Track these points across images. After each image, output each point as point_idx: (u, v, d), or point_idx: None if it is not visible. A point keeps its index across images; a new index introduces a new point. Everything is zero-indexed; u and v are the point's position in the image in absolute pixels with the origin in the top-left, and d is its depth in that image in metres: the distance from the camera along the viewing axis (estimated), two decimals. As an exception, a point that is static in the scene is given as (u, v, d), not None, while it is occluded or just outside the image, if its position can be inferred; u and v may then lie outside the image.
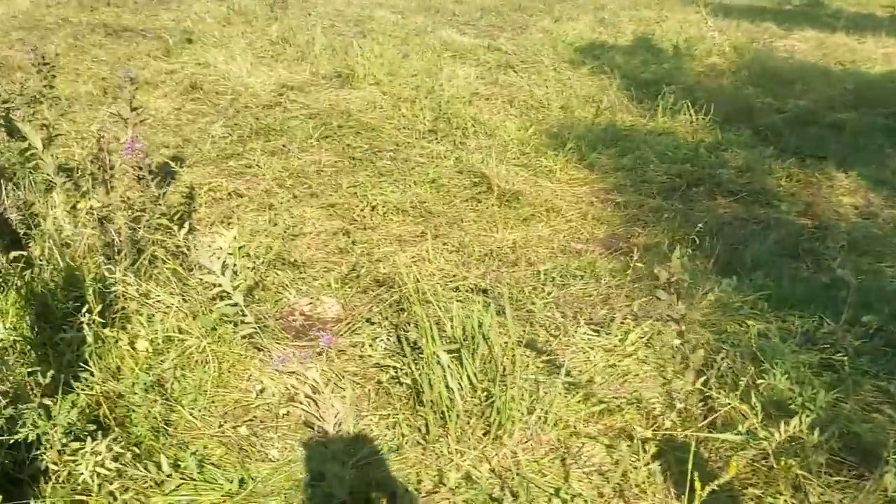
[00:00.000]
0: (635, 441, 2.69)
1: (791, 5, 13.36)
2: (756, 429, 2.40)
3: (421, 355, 2.98)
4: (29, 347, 2.94)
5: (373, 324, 3.49)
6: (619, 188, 5.24)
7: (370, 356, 3.27)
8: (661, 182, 5.36)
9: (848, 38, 10.09)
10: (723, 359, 2.97)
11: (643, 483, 2.55)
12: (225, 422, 2.84)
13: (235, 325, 3.22)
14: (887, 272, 4.16)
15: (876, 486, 2.35)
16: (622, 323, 3.43)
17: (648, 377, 3.13)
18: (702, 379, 2.73)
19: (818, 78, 8.12)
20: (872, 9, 12.56)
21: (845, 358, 3.06)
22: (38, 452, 2.40)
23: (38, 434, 2.37)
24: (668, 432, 2.72)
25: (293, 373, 3.02)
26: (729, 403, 2.56)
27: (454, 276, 3.93)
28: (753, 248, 4.30)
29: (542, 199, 4.91)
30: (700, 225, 4.08)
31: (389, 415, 2.91)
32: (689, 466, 2.13)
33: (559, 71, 8.23)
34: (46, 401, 2.44)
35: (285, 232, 4.33)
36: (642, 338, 3.33)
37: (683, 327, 2.72)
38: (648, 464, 2.59)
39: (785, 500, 2.44)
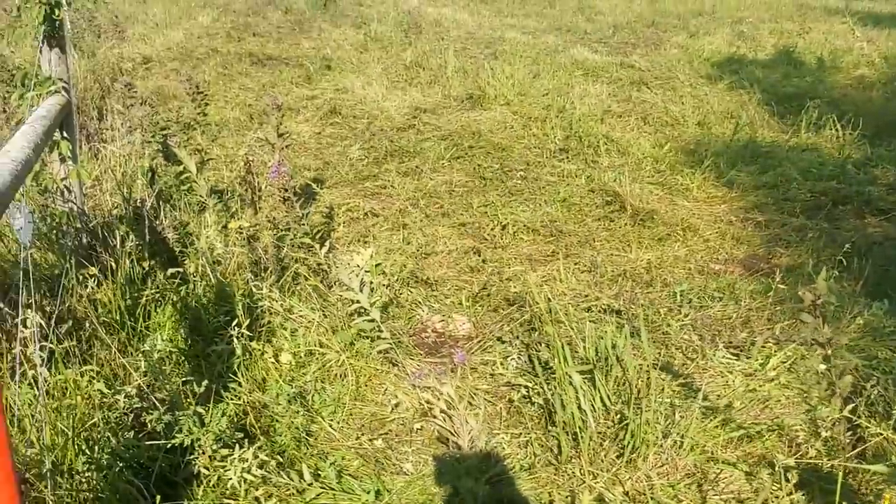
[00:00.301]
0: (777, 469, 2.58)
1: (950, 11, 12.55)
2: (911, 461, 2.27)
3: (552, 375, 2.98)
4: (183, 358, 3.16)
5: (503, 342, 3.51)
6: (759, 207, 5.07)
7: (501, 374, 3.29)
8: (804, 200, 5.15)
9: None
10: (873, 386, 2.81)
11: (786, 513, 2.45)
12: (362, 434, 2.93)
13: (372, 340, 3.33)
14: None
15: None
16: (763, 347, 3.31)
17: (791, 403, 3.00)
18: (850, 406, 2.60)
19: (981, 88, 7.59)
20: None
21: None
22: (192, 457, 2.56)
23: (192, 440, 2.54)
24: (812, 461, 2.61)
25: (428, 388, 3.08)
26: (881, 433, 2.43)
27: (586, 296, 3.91)
28: (907, 270, 4.06)
29: (678, 218, 4.82)
30: (847, 245, 3.91)
31: (521, 433, 2.92)
32: (837, 498, 2.04)
33: (695, 87, 8.06)
34: (200, 409, 2.62)
35: (418, 250, 4.44)
36: (784, 363, 3.21)
37: (830, 352, 2.61)
38: (791, 493, 2.48)
39: (945, 540, 2.29)
